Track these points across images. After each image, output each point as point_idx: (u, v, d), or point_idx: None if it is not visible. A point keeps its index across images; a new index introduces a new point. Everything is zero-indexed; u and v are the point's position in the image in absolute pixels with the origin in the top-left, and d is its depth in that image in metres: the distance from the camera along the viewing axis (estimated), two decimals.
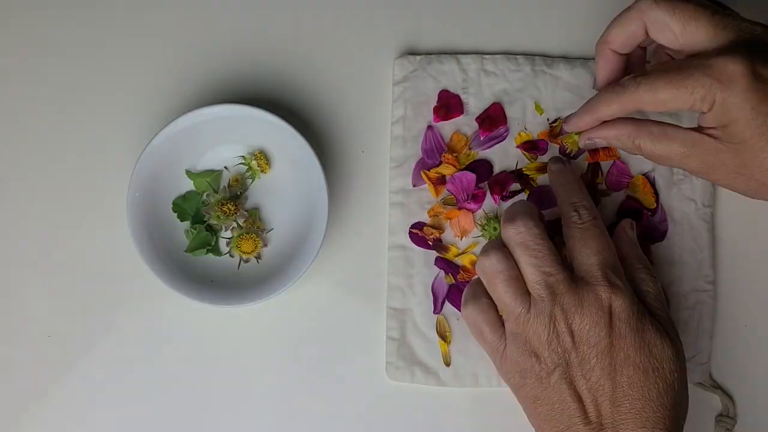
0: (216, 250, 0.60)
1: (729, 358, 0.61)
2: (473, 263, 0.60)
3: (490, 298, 0.54)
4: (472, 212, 0.60)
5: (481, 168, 0.61)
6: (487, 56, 0.62)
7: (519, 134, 0.61)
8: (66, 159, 0.62)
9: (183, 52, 0.63)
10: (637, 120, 0.53)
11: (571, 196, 0.55)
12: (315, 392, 0.60)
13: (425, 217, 0.61)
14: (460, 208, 0.60)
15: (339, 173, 0.62)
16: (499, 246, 0.53)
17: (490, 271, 0.52)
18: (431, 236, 0.60)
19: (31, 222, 0.61)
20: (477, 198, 0.60)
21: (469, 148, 0.61)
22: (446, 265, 0.60)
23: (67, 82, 0.62)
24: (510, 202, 0.60)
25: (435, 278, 0.60)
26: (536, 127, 0.61)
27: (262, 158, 0.60)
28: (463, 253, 0.60)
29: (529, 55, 0.62)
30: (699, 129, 0.51)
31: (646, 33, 0.52)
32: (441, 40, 0.63)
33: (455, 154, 0.61)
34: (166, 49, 0.63)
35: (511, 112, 0.61)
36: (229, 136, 0.60)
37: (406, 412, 0.60)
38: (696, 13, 0.50)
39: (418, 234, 0.60)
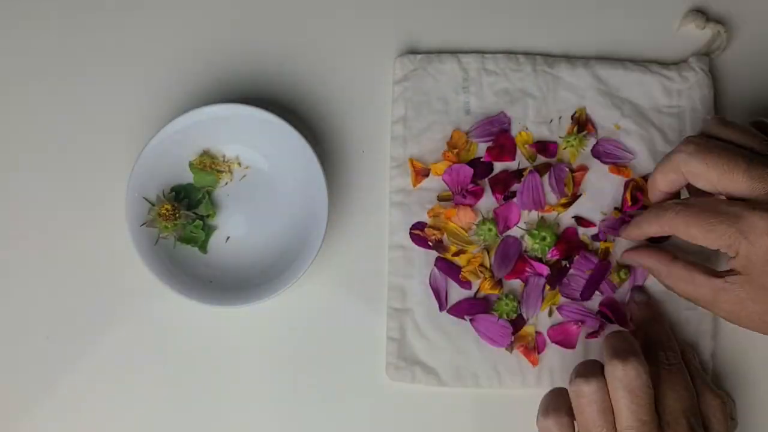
0: (203, 247, 0.60)
1: (730, 359, 0.61)
2: (470, 261, 0.60)
3: (572, 417, 0.53)
4: (470, 207, 0.60)
5: (482, 166, 0.61)
6: (488, 55, 0.62)
7: (520, 134, 0.61)
8: (65, 159, 0.62)
9: (183, 52, 0.62)
10: (671, 261, 0.55)
11: (659, 334, 0.56)
12: (315, 392, 0.60)
13: (425, 217, 0.61)
14: (456, 204, 0.60)
15: (339, 173, 0.62)
16: (599, 373, 0.53)
17: (586, 398, 0.52)
18: (432, 237, 0.60)
19: (31, 222, 0.61)
20: (475, 194, 0.60)
21: (468, 136, 0.61)
22: (447, 265, 0.60)
23: (66, 83, 0.62)
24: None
25: (430, 277, 0.60)
26: (537, 127, 0.61)
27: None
28: (460, 252, 0.60)
29: (530, 55, 0.62)
30: (724, 274, 0.52)
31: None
32: (441, 39, 0.63)
33: (455, 150, 0.60)
34: (166, 49, 0.62)
35: (512, 111, 0.61)
36: (229, 136, 0.60)
37: (406, 412, 0.60)
38: (730, 165, 0.50)
39: (419, 234, 0.60)
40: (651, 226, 0.55)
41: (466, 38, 0.63)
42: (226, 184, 0.61)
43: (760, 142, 0.52)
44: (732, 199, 0.51)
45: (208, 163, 0.60)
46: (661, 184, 0.55)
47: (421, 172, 0.60)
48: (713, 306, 0.53)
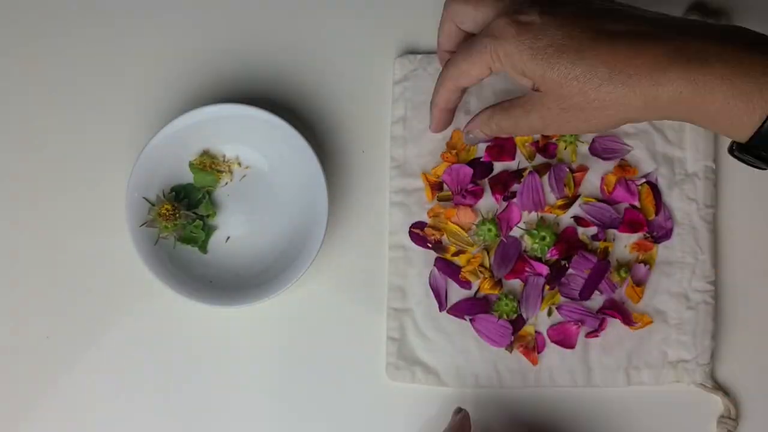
0: (203, 247, 0.60)
1: (730, 358, 0.61)
2: (469, 261, 0.60)
3: None
4: (470, 207, 0.60)
5: (481, 166, 0.61)
6: None
7: None
8: (65, 159, 0.62)
9: (183, 53, 0.62)
10: (491, 110, 0.56)
11: None
12: (315, 392, 0.60)
13: (425, 217, 0.61)
14: (456, 204, 0.60)
15: (339, 173, 0.62)
16: None
17: None
18: (432, 237, 0.60)
19: (31, 222, 0.61)
20: (474, 194, 0.60)
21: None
22: (446, 265, 0.60)
23: (66, 83, 0.62)
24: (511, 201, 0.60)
25: (430, 277, 0.60)
26: None
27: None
28: (460, 252, 0.60)
29: None
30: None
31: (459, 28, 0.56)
32: None
33: (454, 151, 0.60)
34: (166, 49, 0.63)
35: None
36: (229, 135, 0.60)
37: (406, 412, 0.60)
38: None
39: (419, 233, 0.60)
40: (438, 94, 0.56)
41: None
42: (226, 184, 0.61)
43: None
44: None
45: (208, 163, 0.60)
46: (444, 43, 0.57)
47: (435, 186, 0.60)
48: (530, 123, 0.53)
